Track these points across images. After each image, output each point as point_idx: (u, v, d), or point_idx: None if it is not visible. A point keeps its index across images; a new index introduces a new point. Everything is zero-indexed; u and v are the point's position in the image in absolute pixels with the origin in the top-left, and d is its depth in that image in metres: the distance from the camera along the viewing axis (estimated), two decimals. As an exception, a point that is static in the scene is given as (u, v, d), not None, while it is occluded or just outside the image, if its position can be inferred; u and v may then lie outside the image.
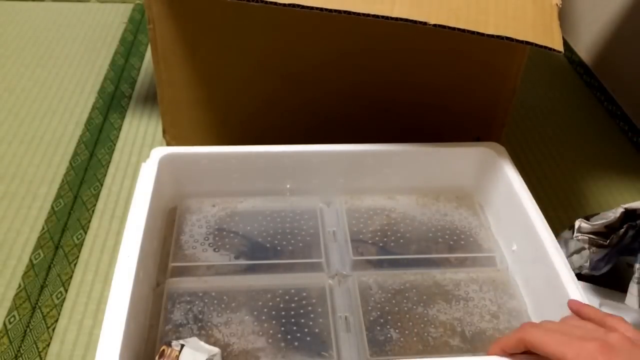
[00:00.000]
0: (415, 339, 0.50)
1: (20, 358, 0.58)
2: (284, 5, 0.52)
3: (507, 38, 0.52)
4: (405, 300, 0.53)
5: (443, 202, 0.64)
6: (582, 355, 0.34)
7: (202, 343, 0.46)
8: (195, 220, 0.60)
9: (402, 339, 0.49)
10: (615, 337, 0.35)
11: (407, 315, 0.52)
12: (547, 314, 0.50)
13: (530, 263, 0.54)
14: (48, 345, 0.60)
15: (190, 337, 0.47)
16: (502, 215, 0.61)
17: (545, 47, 0.52)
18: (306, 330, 0.50)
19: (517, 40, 0.52)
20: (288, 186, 0.63)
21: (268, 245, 0.58)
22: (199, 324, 0.50)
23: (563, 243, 0.61)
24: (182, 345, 0.44)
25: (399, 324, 0.51)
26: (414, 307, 0.52)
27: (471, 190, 0.65)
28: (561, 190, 0.82)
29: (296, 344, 0.48)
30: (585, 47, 1.11)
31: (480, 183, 0.64)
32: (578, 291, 0.46)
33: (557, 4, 0.55)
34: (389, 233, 0.60)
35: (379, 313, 0.51)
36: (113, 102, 0.95)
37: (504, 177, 0.59)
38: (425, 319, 0.51)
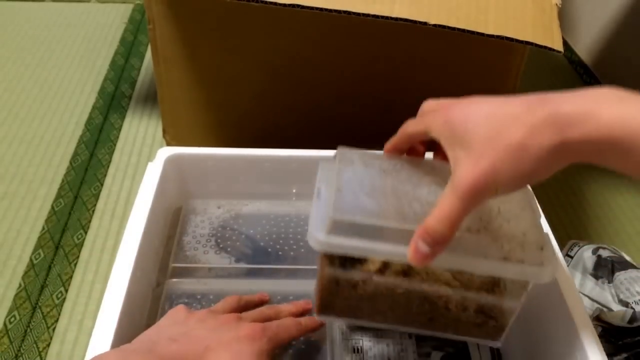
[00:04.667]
0: None
1: (21, 358, 0.58)
2: (284, 5, 0.52)
3: (507, 38, 0.52)
4: None
5: None
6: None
7: None
8: (199, 221, 0.59)
9: None
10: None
11: None
12: (552, 335, 0.49)
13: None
14: (48, 345, 0.60)
15: None
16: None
17: (545, 47, 0.52)
18: (301, 338, 0.48)
19: (517, 40, 0.52)
20: (294, 190, 0.62)
21: (270, 249, 0.57)
22: None
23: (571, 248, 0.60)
24: None
25: None
26: None
27: None
28: (561, 190, 0.82)
29: (290, 351, 0.47)
30: (585, 47, 1.10)
31: None
32: (582, 304, 0.45)
33: (557, 4, 0.55)
34: None
35: None
36: (113, 102, 0.95)
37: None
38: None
